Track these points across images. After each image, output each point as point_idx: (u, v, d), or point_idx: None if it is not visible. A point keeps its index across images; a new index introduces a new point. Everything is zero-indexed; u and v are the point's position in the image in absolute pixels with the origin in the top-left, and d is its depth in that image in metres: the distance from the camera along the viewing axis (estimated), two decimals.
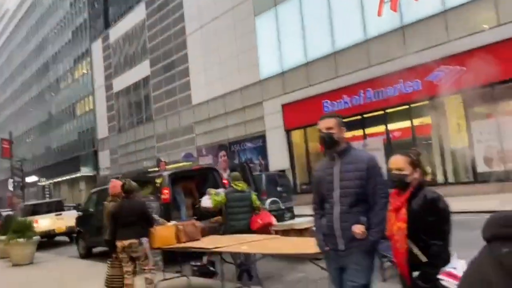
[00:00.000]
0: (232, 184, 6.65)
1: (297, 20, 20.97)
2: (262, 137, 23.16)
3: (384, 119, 17.62)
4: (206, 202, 6.62)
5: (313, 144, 20.87)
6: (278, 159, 21.90)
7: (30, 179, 50.53)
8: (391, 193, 2.96)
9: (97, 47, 41.26)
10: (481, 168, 14.48)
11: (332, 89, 19.14)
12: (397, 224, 2.80)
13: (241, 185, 6.56)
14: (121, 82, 37.16)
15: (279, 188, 16.54)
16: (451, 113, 15.85)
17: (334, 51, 19.43)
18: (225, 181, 9.17)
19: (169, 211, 7.96)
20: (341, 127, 3.32)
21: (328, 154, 3.37)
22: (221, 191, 6.72)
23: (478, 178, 14.42)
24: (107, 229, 5.54)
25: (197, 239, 5.16)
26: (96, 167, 41.83)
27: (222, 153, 26.03)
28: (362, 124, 18.34)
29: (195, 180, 9.39)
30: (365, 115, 18.17)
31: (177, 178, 8.84)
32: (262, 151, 23.30)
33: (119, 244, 5.07)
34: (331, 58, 19.56)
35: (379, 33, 17.52)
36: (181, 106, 29.63)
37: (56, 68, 51.74)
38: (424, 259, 2.66)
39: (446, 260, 2.63)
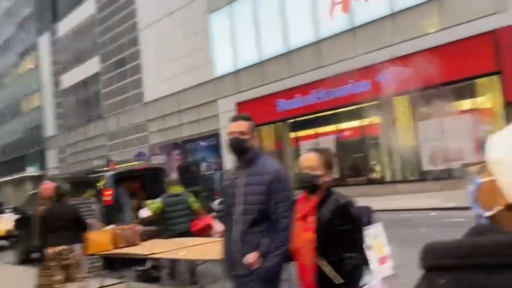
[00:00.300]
0: (168, 189, 6.70)
1: (251, 18, 20.89)
2: (216, 135, 22.93)
3: (335, 119, 17.89)
4: (144, 213, 6.60)
5: (267, 143, 20.91)
6: (232, 158, 21.71)
7: None
8: (299, 198, 2.64)
9: (44, 41, 39.39)
10: (426, 166, 15.01)
11: (285, 88, 19.22)
12: (304, 235, 2.43)
13: (177, 189, 6.59)
14: (70, 78, 35.68)
15: None
16: (399, 113, 16.32)
17: (288, 51, 19.52)
18: None
19: (112, 214, 7.62)
20: (254, 132, 3.00)
21: (237, 162, 3.01)
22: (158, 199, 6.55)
23: (424, 176, 14.92)
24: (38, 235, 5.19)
25: (136, 244, 4.93)
26: (43, 166, 39.98)
27: (175, 152, 25.63)
28: (315, 123, 18.56)
29: (141, 180, 9.06)
30: (317, 115, 18.37)
31: (121, 178, 8.48)
32: (216, 150, 23.07)
33: (49, 250, 4.74)
34: (285, 57, 19.64)
35: (331, 33, 17.77)
36: (133, 103, 28.82)
37: (0, 62, 48.99)
38: (338, 280, 2.29)
39: (361, 275, 2.34)
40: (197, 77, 23.64)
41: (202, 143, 23.97)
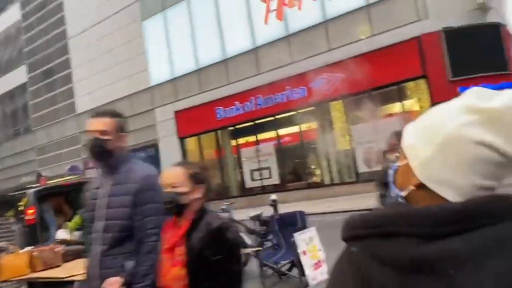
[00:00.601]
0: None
1: (186, 25, 20.59)
2: (154, 145, 22.29)
3: (274, 125, 18.01)
4: (61, 234, 5.98)
5: (208, 151, 20.64)
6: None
7: None
8: (166, 225, 2.16)
9: None
10: (362, 168, 15.46)
11: (224, 95, 19.09)
12: (172, 271, 1.99)
13: None
14: None
15: None
16: (334, 118, 16.74)
17: (225, 58, 19.43)
18: None
19: (35, 234, 7.01)
20: (120, 131, 2.54)
21: (100, 168, 2.54)
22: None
23: (360, 178, 15.36)
24: None
25: (57, 266, 4.50)
26: None
27: None
28: (255, 130, 18.58)
29: (67, 196, 8.45)
30: (257, 121, 18.41)
31: (46, 195, 7.85)
32: (155, 160, 22.36)
33: None
34: (222, 64, 19.52)
35: (267, 41, 17.92)
36: (64, 115, 27.36)
37: None
38: None
39: None
40: (133, 86, 22.90)
41: (141, 154, 23.17)
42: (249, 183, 18.88)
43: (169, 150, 21.28)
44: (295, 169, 18.23)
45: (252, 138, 18.78)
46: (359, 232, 0.76)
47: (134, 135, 23.14)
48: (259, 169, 18.40)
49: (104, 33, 24.18)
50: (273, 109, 17.53)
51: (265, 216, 5.50)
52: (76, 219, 5.88)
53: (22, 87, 30.70)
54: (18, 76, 30.86)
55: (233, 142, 19.76)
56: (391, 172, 0.87)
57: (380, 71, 14.27)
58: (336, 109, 16.58)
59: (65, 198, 8.42)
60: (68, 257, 5.04)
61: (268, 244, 5.42)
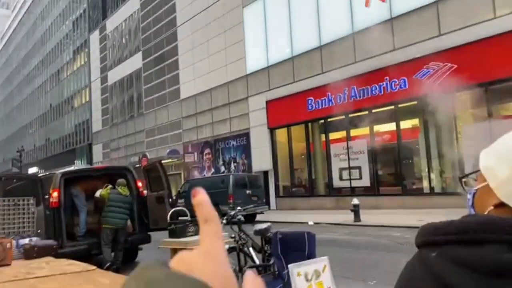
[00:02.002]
0: (117, 188, 7.44)
1: (284, 11, 19.54)
2: (246, 135, 21.79)
3: (369, 120, 16.06)
4: (97, 193, 7.72)
5: (297, 144, 19.47)
6: (261, 159, 20.49)
7: (32, 170, 50.05)
8: None
9: (95, 38, 40.37)
10: None
11: (317, 85, 17.67)
12: None
13: (123, 190, 7.41)
14: (116, 74, 36.17)
15: (248, 191, 15.22)
16: (440, 115, 14.25)
17: (321, 45, 17.95)
18: (139, 184, 7.84)
19: (59, 217, 6.67)
20: None
21: None
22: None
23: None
24: None
25: (7, 264, 3.86)
26: (90, 160, 40.97)
27: (207, 150, 24.82)
28: (347, 124, 16.84)
29: (103, 181, 8.07)
30: (350, 115, 16.65)
31: (74, 179, 7.53)
32: (245, 149, 21.93)
33: None
34: (317, 52, 18.09)
35: (367, 25, 15.97)
36: (170, 100, 28.43)
37: (57, 59, 51.17)
38: None
39: None
40: (230, 74, 22.67)
41: (233, 142, 22.92)
42: (337, 183, 17.26)
43: (259, 141, 20.59)
44: (390, 172, 16.10)
45: (343, 133, 17.08)
46: (437, 238, 0.76)
47: (229, 123, 22.98)
48: (349, 168, 16.66)
49: (207, 20, 24.33)
50: (369, 102, 15.62)
51: (271, 232, 4.24)
52: (107, 190, 7.34)
53: (138, 73, 32.76)
54: (135, 62, 33.00)
55: (323, 137, 18.26)
56: (469, 196, 0.88)
57: (501, 61, 11.59)
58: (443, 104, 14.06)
59: (101, 183, 8.05)
60: (34, 252, 4.42)
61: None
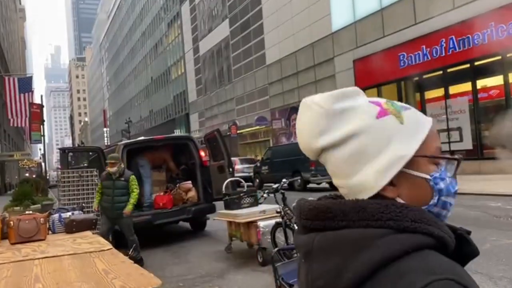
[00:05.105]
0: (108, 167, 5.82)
1: None
2: None
3: (471, 75, 14.07)
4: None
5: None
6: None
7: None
8: None
9: (185, 9, 41.31)
10: None
11: (409, 39, 15.89)
12: None
13: (111, 169, 5.67)
14: (206, 44, 36.80)
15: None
16: None
17: None
18: (202, 153, 7.56)
19: None
20: None
21: None
22: None
23: None
24: None
25: (40, 240, 3.77)
26: (188, 129, 42.92)
27: (294, 116, 24.20)
28: (445, 81, 14.97)
29: (166, 151, 7.91)
30: (448, 70, 14.74)
31: (139, 149, 7.46)
32: None
33: None
34: (409, 0, 16.14)
35: None
36: (256, 67, 28.12)
37: (154, 33, 53.62)
38: None
39: None
40: (315, 34, 21.51)
41: None
42: None
43: None
44: (497, 133, 13.99)
45: (440, 91, 15.21)
46: None
47: (315, 86, 22.04)
48: (448, 130, 14.87)
49: None
50: (470, 54, 13.58)
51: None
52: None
53: (226, 41, 32.88)
54: (223, 30, 33.11)
55: (418, 96, 16.49)
56: None
57: None
58: None
59: (165, 153, 7.94)
60: (70, 228, 4.30)
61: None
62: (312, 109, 0.66)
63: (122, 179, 5.62)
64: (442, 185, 0.62)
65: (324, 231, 0.60)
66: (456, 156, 0.64)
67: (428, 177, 0.62)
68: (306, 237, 0.62)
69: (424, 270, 0.53)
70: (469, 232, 0.64)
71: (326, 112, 0.63)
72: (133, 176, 5.71)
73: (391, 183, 0.62)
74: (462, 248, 0.63)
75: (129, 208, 5.55)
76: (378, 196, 0.62)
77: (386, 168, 0.61)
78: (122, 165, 5.78)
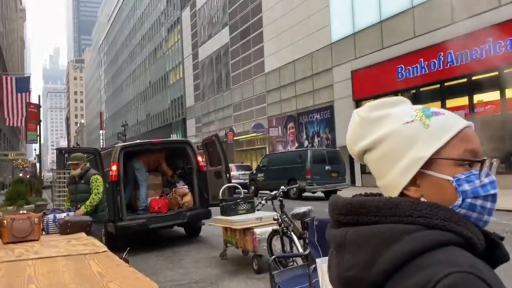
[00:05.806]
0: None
1: None
2: (330, 108, 20.77)
3: (468, 89, 14.19)
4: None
5: None
6: (345, 133, 19.06)
7: None
8: None
9: (186, 15, 41.46)
10: None
11: (407, 51, 16.01)
12: None
13: (73, 169, 5.05)
14: (206, 50, 36.90)
15: (327, 167, 14.42)
16: None
17: (413, 6, 16.13)
18: (199, 158, 7.54)
19: (118, 191, 6.65)
20: None
21: None
22: None
23: None
24: None
25: (33, 240, 3.74)
26: (184, 135, 42.86)
27: (290, 125, 24.28)
28: (442, 94, 15.08)
29: (163, 154, 7.90)
30: (445, 83, 14.87)
31: (135, 152, 7.43)
32: (329, 123, 20.95)
33: None
34: (409, 13, 16.30)
35: None
36: (255, 74, 28.22)
37: (154, 37, 53.73)
38: None
39: None
40: (314, 43, 21.63)
41: (316, 116, 22.04)
42: None
43: (344, 114, 19.46)
44: (494, 148, 14.07)
45: (437, 105, 15.28)
46: None
47: (312, 96, 22.12)
48: None
49: None
50: (468, 68, 13.69)
51: (310, 217, 3.54)
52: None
53: (225, 48, 32.99)
54: (222, 37, 33.23)
55: None
56: None
57: None
58: None
59: (161, 157, 7.92)
60: (64, 229, 4.27)
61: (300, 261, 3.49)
62: (354, 118, 0.73)
63: (83, 181, 4.93)
64: (467, 187, 0.63)
65: (356, 225, 0.64)
66: (479, 159, 0.64)
67: (449, 178, 0.63)
68: (339, 231, 0.66)
69: (445, 262, 0.56)
70: (502, 238, 0.66)
71: (363, 120, 0.70)
72: (96, 176, 4.94)
73: (415, 184, 0.66)
74: (494, 253, 0.64)
75: (81, 209, 4.75)
76: (403, 196, 0.66)
77: (405, 169, 0.65)
78: (87, 165, 5.13)
